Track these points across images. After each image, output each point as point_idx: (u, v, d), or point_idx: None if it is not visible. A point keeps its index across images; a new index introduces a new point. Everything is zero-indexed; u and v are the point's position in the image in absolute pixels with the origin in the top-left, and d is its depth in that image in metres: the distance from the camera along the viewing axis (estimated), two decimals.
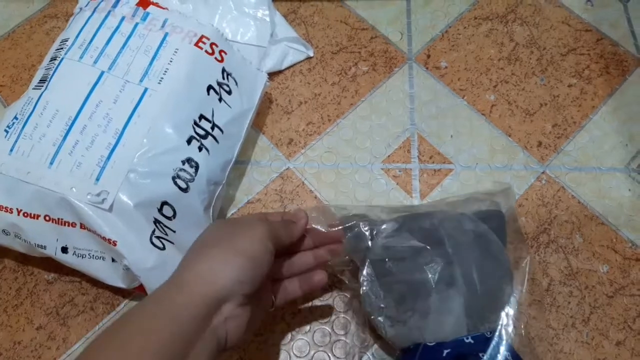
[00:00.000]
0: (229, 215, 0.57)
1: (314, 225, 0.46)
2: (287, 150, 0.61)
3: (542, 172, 0.58)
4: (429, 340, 0.43)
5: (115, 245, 0.45)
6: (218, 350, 0.36)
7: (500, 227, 0.48)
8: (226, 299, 0.36)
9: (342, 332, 0.51)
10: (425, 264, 0.43)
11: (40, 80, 0.51)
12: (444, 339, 0.42)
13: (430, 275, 0.43)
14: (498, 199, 0.51)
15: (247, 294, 0.37)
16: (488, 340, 0.42)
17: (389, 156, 0.60)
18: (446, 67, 0.65)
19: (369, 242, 0.45)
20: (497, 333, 0.43)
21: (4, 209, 0.47)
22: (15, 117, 0.49)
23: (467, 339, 0.42)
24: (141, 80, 0.50)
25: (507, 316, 0.43)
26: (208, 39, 0.54)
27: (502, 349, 0.41)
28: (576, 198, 0.57)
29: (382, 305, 0.44)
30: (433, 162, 0.59)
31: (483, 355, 0.41)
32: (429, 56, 0.66)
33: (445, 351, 0.42)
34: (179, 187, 0.48)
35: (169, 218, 0.48)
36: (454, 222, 0.46)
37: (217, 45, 0.54)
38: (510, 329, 0.43)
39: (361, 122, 0.62)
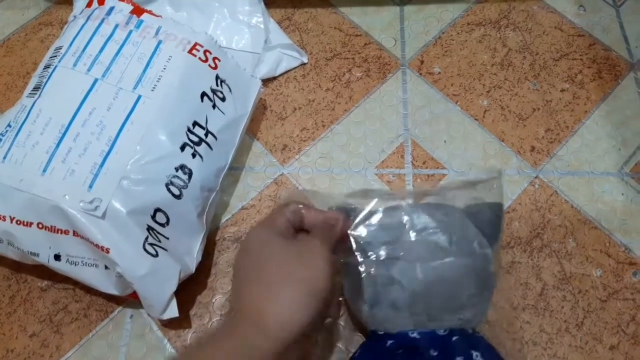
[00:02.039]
0: (223, 221, 0.57)
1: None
2: (281, 156, 0.61)
3: (535, 177, 0.59)
4: (380, 329, 0.44)
5: (108, 252, 0.45)
6: None
7: (492, 221, 0.46)
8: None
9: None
10: (379, 258, 0.44)
11: (34, 87, 0.51)
12: (391, 330, 0.43)
13: (376, 270, 0.43)
14: (493, 186, 0.49)
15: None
16: (441, 338, 0.42)
17: (382, 161, 0.60)
18: (439, 73, 0.66)
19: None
20: (458, 332, 0.42)
21: None
22: (9, 125, 0.49)
23: (412, 333, 0.42)
24: (135, 88, 0.50)
25: (476, 315, 0.43)
26: (202, 46, 0.54)
27: (466, 348, 0.41)
28: (569, 202, 0.57)
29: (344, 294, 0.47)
30: (426, 167, 0.59)
31: (434, 352, 0.41)
32: (422, 62, 0.66)
33: (389, 341, 0.42)
34: (172, 194, 0.48)
35: (162, 225, 0.48)
36: (432, 217, 0.45)
37: (210, 52, 0.54)
38: (481, 327, 0.43)
39: (355, 128, 0.62)
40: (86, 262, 0.48)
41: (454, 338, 0.41)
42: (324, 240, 0.41)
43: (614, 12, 0.70)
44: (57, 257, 0.48)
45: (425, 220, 0.45)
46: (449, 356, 0.40)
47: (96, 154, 0.47)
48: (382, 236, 0.44)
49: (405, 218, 0.45)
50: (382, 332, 0.44)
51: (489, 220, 0.46)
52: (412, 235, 0.44)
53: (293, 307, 0.37)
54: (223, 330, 0.37)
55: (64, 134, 0.48)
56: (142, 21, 0.54)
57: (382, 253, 0.44)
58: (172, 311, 0.48)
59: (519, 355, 0.50)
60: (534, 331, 0.51)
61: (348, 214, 0.45)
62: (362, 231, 0.45)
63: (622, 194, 0.57)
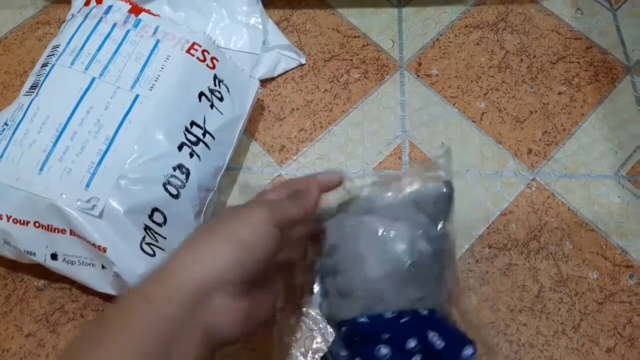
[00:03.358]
0: None
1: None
2: (279, 156, 0.61)
3: (532, 179, 0.59)
4: (337, 318, 0.44)
5: (105, 252, 0.45)
6: (210, 347, 0.33)
7: (437, 200, 0.45)
8: (214, 290, 0.33)
9: None
10: (328, 250, 0.44)
11: (31, 86, 0.51)
12: (345, 317, 0.43)
13: (321, 262, 0.45)
14: (441, 166, 0.48)
15: (239, 282, 0.34)
16: (389, 321, 0.41)
17: (380, 163, 0.60)
18: (437, 75, 0.66)
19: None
20: (409, 313, 0.41)
21: None
22: (6, 124, 0.49)
23: (361, 318, 0.42)
24: (132, 87, 0.50)
25: (428, 295, 0.42)
26: (200, 46, 0.54)
27: (421, 328, 0.40)
28: (566, 205, 0.57)
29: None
30: None
31: (385, 335, 0.40)
32: (420, 64, 0.67)
33: (343, 329, 0.42)
34: (170, 194, 0.48)
35: (159, 224, 0.48)
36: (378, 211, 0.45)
37: (208, 52, 0.54)
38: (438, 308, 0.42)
39: (353, 129, 0.62)
40: (83, 262, 0.47)
41: (403, 320, 0.40)
42: (269, 203, 0.38)
43: (611, 15, 0.70)
44: (54, 256, 0.48)
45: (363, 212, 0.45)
46: (401, 338, 0.39)
47: (93, 153, 0.47)
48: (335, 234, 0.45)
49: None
50: (339, 321, 0.44)
51: (431, 200, 0.45)
52: (351, 224, 0.44)
53: (200, 253, 0.34)
54: (132, 290, 0.35)
55: (61, 133, 0.48)
56: (140, 20, 0.54)
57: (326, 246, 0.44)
58: None
59: (515, 358, 0.50)
60: (530, 333, 0.51)
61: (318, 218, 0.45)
62: None
63: (619, 197, 0.58)
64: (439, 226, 0.44)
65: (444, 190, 0.45)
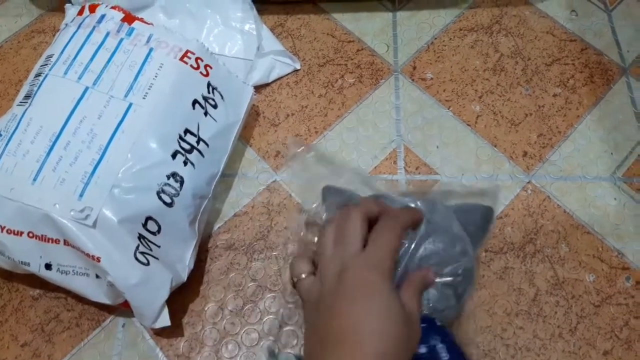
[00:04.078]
0: (215, 228, 0.57)
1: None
2: (274, 162, 0.61)
3: (528, 182, 0.59)
4: None
5: (99, 261, 0.45)
6: None
7: (478, 222, 0.47)
8: None
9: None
10: None
11: (24, 96, 0.51)
12: None
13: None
14: (489, 195, 0.51)
15: None
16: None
17: (375, 167, 0.60)
18: (432, 79, 0.66)
19: None
20: (427, 320, 0.42)
21: None
22: (0, 134, 0.49)
23: None
24: (126, 96, 0.50)
25: (447, 308, 0.43)
26: (193, 54, 0.54)
27: (432, 338, 0.41)
28: (562, 207, 0.57)
29: None
30: (419, 173, 0.59)
31: None
32: (414, 68, 0.67)
33: None
34: (164, 202, 0.48)
35: (153, 233, 0.48)
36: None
37: (202, 60, 0.54)
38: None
39: (348, 134, 0.62)
40: (77, 272, 0.47)
41: (422, 325, 0.41)
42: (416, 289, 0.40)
43: (606, 16, 0.70)
44: (48, 267, 0.48)
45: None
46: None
47: (87, 162, 0.47)
48: None
49: None
50: None
51: (475, 220, 0.47)
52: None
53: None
54: None
55: (54, 143, 0.48)
56: (133, 29, 0.54)
57: None
58: (164, 320, 0.48)
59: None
60: (527, 337, 0.51)
61: None
62: None
63: (615, 199, 0.57)
64: (475, 248, 0.46)
65: (486, 214, 0.48)
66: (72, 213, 0.45)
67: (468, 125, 0.62)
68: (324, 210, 0.48)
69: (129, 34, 0.54)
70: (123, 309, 0.51)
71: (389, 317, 0.35)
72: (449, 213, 0.46)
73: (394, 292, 0.38)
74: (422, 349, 0.40)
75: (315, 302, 0.39)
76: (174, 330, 0.52)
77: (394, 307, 0.36)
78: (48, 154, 0.47)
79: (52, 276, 0.48)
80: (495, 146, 0.61)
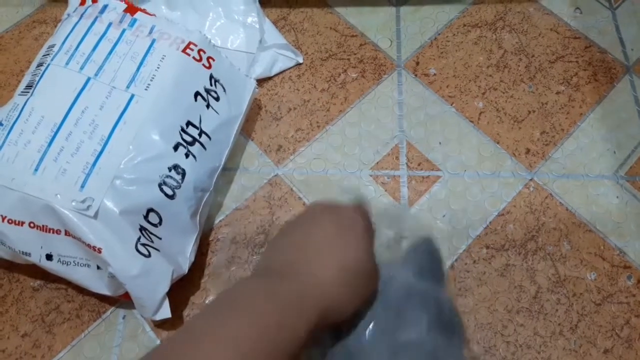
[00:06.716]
0: (216, 222, 0.57)
1: None
2: (275, 156, 0.61)
3: (530, 180, 0.58)
4: None
5: (100, 252, 0.45)
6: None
7: (428, 257, 0.43)
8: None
9: None
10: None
11: (26, 86, 0.51)
12: None
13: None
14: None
15: None
16: None
17: (377, 163, 0.60)
18: (435, 74, 0.65)
19: None
20: None
21: None
22: (1, 124, 0.49)
23: None
24: (128, 87, 0.50)
25: None
26: (196, 46, 0.54)
27: None
28: (564, 205, 0.57)
29: None
30: (421, 169, 0.59)
31: None
32: (417, 63, 0.66)
33: None
34: (165, 194, 0.48)
35: (154, 225, 0.48)
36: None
37: (204, 52, 0.54)
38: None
39: (350, 129, 0.62)
40: (78, 262, 0.47)
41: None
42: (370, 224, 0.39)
43: (610, 14, 0.70)
44: (49, 257, 0.47)
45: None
46: None
47: (88, 153, 0.47)
48: None
49: None
50: None
51: (425, 261, 0.42)
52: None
53: (340, 292, 0.34)
54: (266, 281, 0.34)
55: (56, 133, 0.47)
56: (135, 20, 0.54)
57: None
58: (165, 312, 0.48)
59: (512, 359, 0.50)
60: (528, 334, 0.50)
61: None
62: None
63: (617, 197, 0.57)
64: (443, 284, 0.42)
65: (430, 245, 0.43)
66: (73, 203, 0.45)
67: (471, 121, 0.62)
68: None
69: (132, 24, 0.53)
70: (124, 300, 0.51)
71: (366, 251, 0.36)
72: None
73: (370, 243, 0.38)
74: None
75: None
76: (174, 323, 0.52)
77: (370, 249, 0.37)
78: (49, 144, 0.47)
79: (53, 267, 0.48)
80: (497, 143, 0.61)
